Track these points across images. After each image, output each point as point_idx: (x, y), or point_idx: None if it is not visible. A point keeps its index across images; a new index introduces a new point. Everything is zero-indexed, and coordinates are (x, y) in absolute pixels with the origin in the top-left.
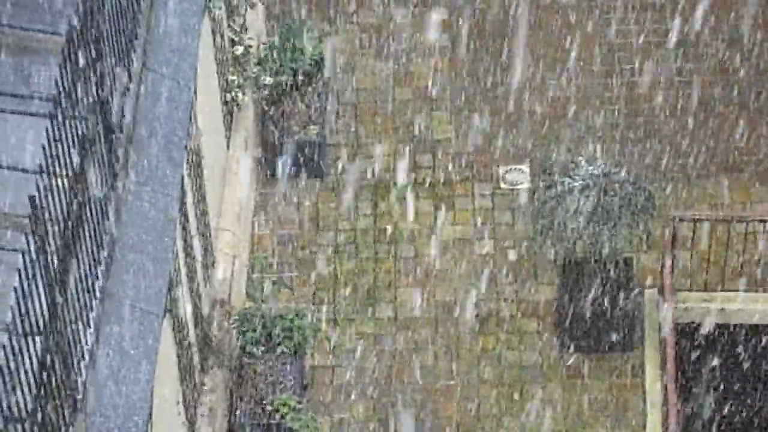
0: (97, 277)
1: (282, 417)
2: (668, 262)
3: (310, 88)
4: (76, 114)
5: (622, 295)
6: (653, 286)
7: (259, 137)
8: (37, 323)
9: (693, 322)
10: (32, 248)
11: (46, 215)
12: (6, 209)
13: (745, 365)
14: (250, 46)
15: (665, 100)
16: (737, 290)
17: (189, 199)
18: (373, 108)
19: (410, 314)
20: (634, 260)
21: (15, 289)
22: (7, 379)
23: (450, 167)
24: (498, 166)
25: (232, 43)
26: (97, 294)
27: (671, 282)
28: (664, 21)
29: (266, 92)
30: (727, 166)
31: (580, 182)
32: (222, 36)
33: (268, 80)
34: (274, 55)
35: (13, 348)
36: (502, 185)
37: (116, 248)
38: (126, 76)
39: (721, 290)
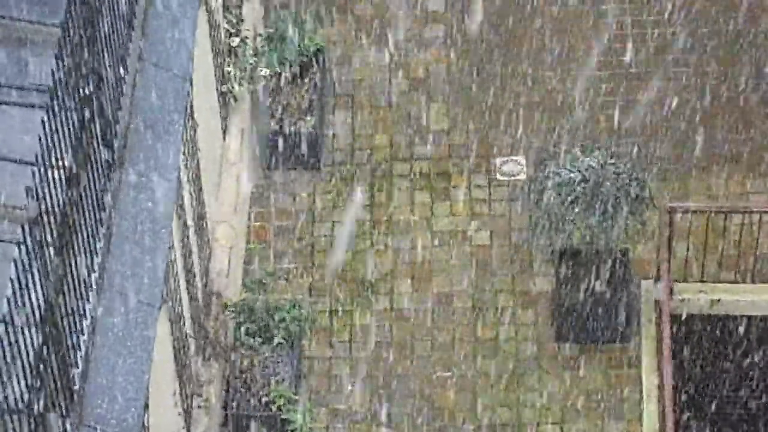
0: (94, 269)
1: (278, 408)
2: (664, 253)
3: (306, 79)
4: (73, 105)
5: (618, 286)
6: (650, 277)
7: (256, 129)
8: (34, 315)
9: (689, 313)
10: (29, 239)
11: (43, 206)
12: (2, 200)
13: (741, 355)
14: (247, 37)
15: (662, 91)
16: (734, 281)
17: (185, 191)
18: (370, 99)
19: (407, 305)
20: (631, 251)
21: (11, 280)
22: (4, 370)
23: (447, 158)
24: (495, 157)
25: (229, 34)
26: (94, 285)
27: (668, 273)
28: (662, 10)
29: (263, 83)
30: (724, 157)
31: (577, 173)
32: (218, 27)
33: (265, 71)
34: (271, 46)
35: (9, 339)
36: (499, 176)
37: (113, 239)
38: (122, 67)
39: (718, 281)
